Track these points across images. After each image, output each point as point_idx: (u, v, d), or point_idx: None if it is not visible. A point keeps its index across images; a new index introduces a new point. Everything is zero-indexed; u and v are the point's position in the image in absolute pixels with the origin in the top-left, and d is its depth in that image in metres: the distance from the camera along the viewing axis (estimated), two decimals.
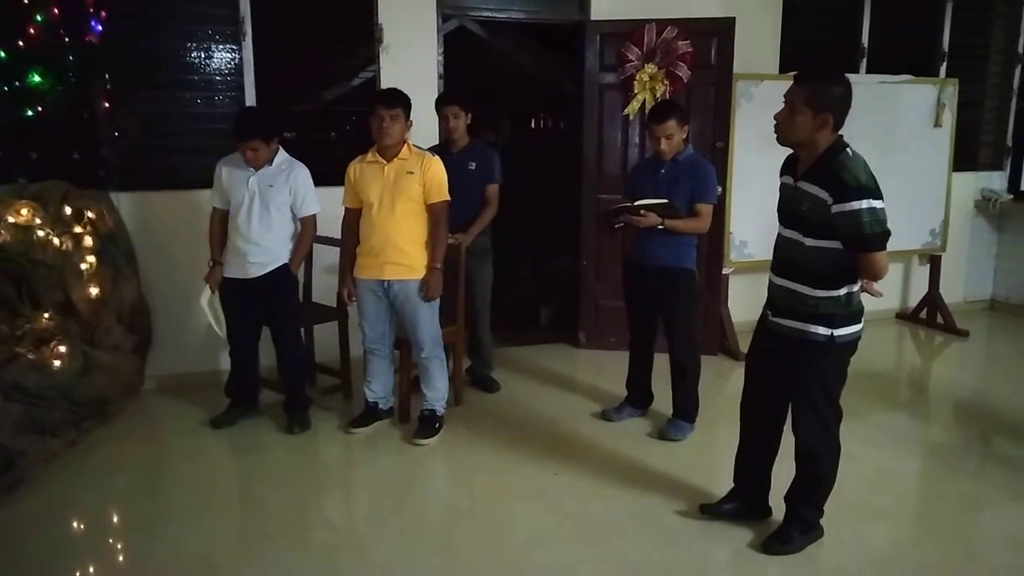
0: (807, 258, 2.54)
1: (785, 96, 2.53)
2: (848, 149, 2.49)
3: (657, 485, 3.24)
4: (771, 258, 2.72)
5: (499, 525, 2.98)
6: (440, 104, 4.08)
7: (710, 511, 2.96)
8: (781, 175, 2.69)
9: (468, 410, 4.11)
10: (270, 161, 3.64)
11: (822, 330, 2.53)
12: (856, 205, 2.38)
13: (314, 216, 3.76)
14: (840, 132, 2.53)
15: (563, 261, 5.63)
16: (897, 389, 4.77)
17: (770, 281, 2.71)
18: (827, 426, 2.66)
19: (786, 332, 2.62)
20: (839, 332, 2.53)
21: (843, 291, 2.53)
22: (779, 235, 2.68)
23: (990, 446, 3.86)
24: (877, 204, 2.40)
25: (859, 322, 2.58)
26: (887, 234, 2.43)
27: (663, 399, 3.88)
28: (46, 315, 3.68)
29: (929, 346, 5.60)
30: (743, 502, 2.93)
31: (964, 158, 5.88)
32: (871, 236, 2.40)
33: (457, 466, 3.53)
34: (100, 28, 4.07)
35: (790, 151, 2.64)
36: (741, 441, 2.93)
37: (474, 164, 4.07)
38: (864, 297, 2.64)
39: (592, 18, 4.88)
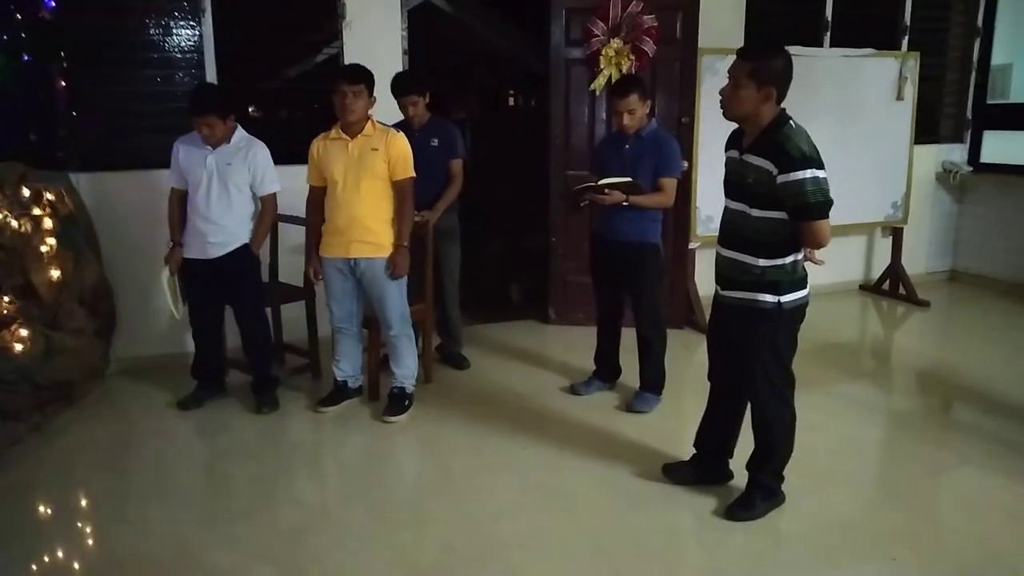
0: (754, 228, 2.60)
1: (729, 71, 2.59)
2: (791, 121, 2.55)
3: (624, 456, 3.29)
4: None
5: (468, 499, 3.01)
6: (396, 95, 3.97)
7: (670, 473, 3.04)
8: (726, 150, 2.76)
9: (438, 387, 4.12)
10: (228, 139, 3.59)
11: (769, 297, 2.60)
12: (800, 175, 2.44)
13: (274, 195, 3.72)
14: (783, 105, 2.58)
15: (533, 238, 5.64)
16: (859, 359, 4.87)
17: (717, 254, 2.77)
18: (780, 393, 2.73)
19: (735, 303, 2.69)
20: (786, 299, 2.60)
21: (789, 259, 2.60)
22: (725, 208, 2.74)
23: (949, 413, 3.96)
24: (820, 174, 2.47)
25: (804, 288, 2.66)
26: (830, 203, 2.50)
27: (631, 372, 3.93)
28: (6, 298, 3.61)
29: (891, 317, 5.71)
30: (702, 467, 3.02)
31: (925, 131, 5.97)
32: (814, 205, 2.46)
33: (427, 443, 3.55)
34: (53, 4, 3.97)
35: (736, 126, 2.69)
36: (706, 410, 3.01)
37: (436, 140, 4.05)
38: (816, 268, 2.70)
39: None
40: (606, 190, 3.51)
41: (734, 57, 2.60)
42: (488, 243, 6.34)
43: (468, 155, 4.30)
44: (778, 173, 2.47)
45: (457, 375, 4.32)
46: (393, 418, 3.68)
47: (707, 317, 3.01)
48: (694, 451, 3.05)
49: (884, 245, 6.01)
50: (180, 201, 3.69)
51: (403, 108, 3.99)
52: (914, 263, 6.10)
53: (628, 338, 3.90)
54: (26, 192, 3.81)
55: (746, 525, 2.77)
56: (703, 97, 4.81)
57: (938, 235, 6.38)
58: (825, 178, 2.48)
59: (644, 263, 3.66)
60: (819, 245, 2.57)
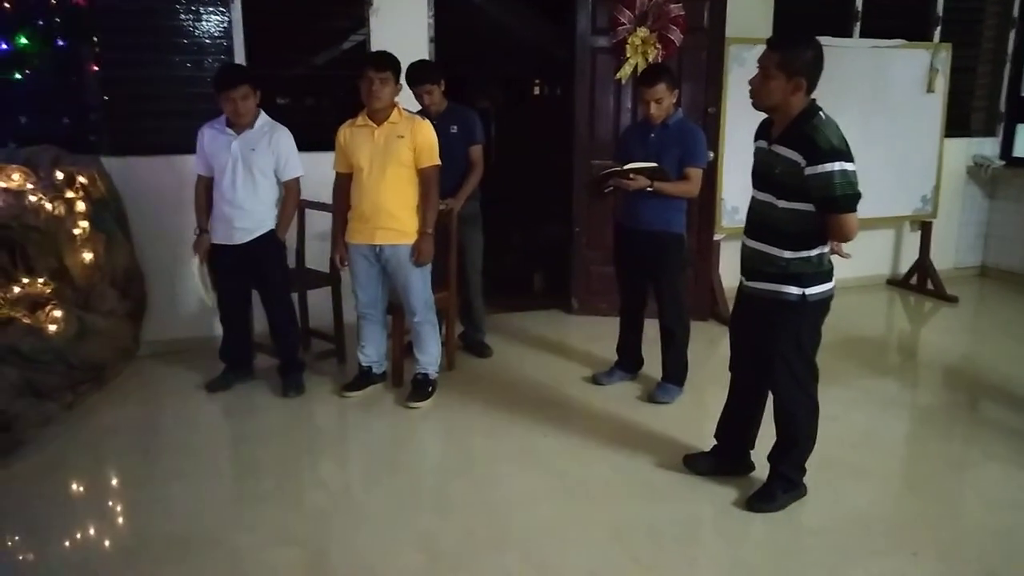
0: (780, 220, 2.59)
1: (759, 62, 2.57)
2: (821, 112, 2.53)
3: (645, 446, 3.30)
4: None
5: (490, 485, 3.04)
6: (410, 84, 3.94)
7: (691, 464, 3.05)
8: (755, 140, 2.75)
9: (461, 374, 4.15)
10: (251, 124, 3.62)
11: (794, 290, 2.59)
12: (828, 167, 2.43)
13: (297, 179, 3.74)
14: (813, 96, 2.56)
15: (556, 227, 5.65)
16: (885, 354, 4.83)
17: (743, 244, 2.77)
18: (803, 385, 2.72)
19: (760, 294, 2.68)
20: (810, 291, 2.59)
21: (815, 252, 2.59)
22: (753, 198, 2.73)
23: (975, 410, 3.92)
24: (849, 167, 2.45)
25: (830, 281, 2.64)
26: (858, 196, 2.48)
27: (653, 363, 3.93)
28: (40, 280, 3.70)
29: (918, 312, 5.65)
30: (723, 458, 3.02)
31: (956, 124, 5.87)
32: (842, 198, 2.45)
33: (449, 429, 3.59)
34: None
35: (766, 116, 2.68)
36: (727, 401, 3.00)
37: (455, 127, 4.06)
38: (843, 261, 2.69)
39: None
40: (631, 175, 3.50)
41: (762, 47, 2.59)
42: (512, 232, 6.35)
43: (493, 144, 4.32)
44: (806, 165, 2.46)
45: (480, 363, 4.35)
46: (416, 404, 3.72)
47: (730, 309, 3.01)
48: (715, 442, 3.06)
49: (913, 239, 5.94)
50: (206, 188, 3.73)
51: (418, 97, 3.99)
52: (943, 258, 6.02)
53: (651, 329, 3.90)
54: (59, 175, 3.89)
55: (766, 516, 2.77)
56: (730, 87, 4.77)
57: (968, 230, 6.29)
58: (854, 171, 2.46)
59: (668, 253, 3.65)
60: (846, 238, 2.55)
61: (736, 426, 2.98)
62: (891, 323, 5.57)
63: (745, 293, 2.78)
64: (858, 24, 5.57)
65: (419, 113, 3.92)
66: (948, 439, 3.49)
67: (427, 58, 4.45)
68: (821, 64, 2.53)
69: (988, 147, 6.21)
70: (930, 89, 5.47)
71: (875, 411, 3.73)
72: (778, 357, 2.68)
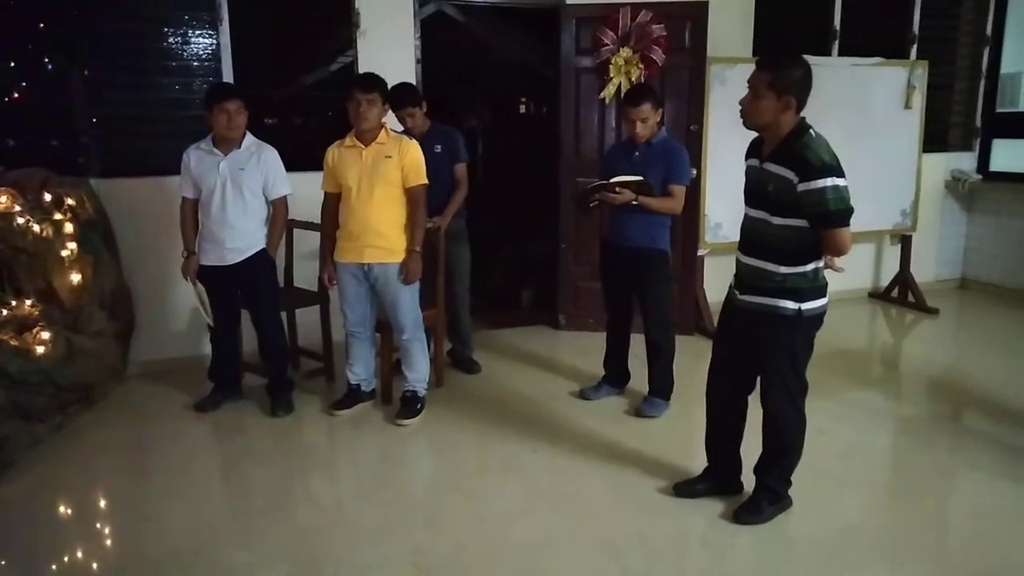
0: (775, 236, 2.62)
1: (748, 81, 2.62)
2: (811, 130, 2.58)
3: (633, 460, 3.33)
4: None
5: (479, 501, 3.06)
6: (393, 108, 3.92)
7: (683, 492, 3.04)
8: (747, 159, 2.79)
9: (449, 391, 4.18)
10: (239, 144, 3.66)
11: (790, 304, 2.62)
12: (821, 183, 2.48)
13: (285, 198, 3.77)
14: (802, 114, 2.61)
15: (544, 244, 5.70)
16: (868, 366, 4.89)
17: (737, 260, 2.80)
18: (794, 399, 2.76)
19: (755, 308, 2.71)
20: (806, 306, 2.63)
21: (810, 267, 2.62)
22: (746, 216, 2.77)
23: (958, 420, 3.98)
24: (840, 182, 2.50)
25: (824, 297, 2.68)
26: (850, 211, 2.53)
27: (640, 378, 3.97)
28: (28, 302, 3.70)
29: (900, 324, 5.73)
30: (716, 481, 3.02)
31: (934, 139, 6.00)
32: (835, 213, 2.49)
33: (438, 445, 3.61)
34: (76, 13, 4.06)
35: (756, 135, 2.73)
36: (708, 422, 3.02)
37: (439, 146, 4.11)
38: (831, 275, 2.73)
39: (568, 2, 4.92)
40: (617, 188, 3.56)
41: (742, 66, 2.64)
42: (499, 249, 6.40)
43: (480, 162, 4.36)
44: (799, 181, 2.50)
45: (468, 379, 4.37)
46: (405, 421, 3.73)
47: (714, 323, 3.04)
48: (707, 464, 3.06)
49: (893, 253, 6.03)
50: (192, 210, 3.75)
51: (401, 120, 4.04)
52: (923, 271, 6.12)
53: (637, 344, 3.95)
54: (48, 197, 3.91)
55: (753, 529, 2.81)
56: (712, 105, 4.86)
57: (947, 243, 6.40)
58: (846, 186, 2.51)
59: (653, 269, 3.70)
60: (840, 252, 2.60)
61: (723, 445, 2.99)
62: (874, 335, 5.65)
63: (738, 306, 2.79)
64: (836, 43, 5.68)
65: (404, 134, 3.96)
66: (933, 449, 3.55)
67: (409, 81, 4.49)
68: (810, 83, 2.59)
69: (966, 162, 6.34)
70: (908, 105, 5.59)
71: (860, 422, 3.78)
72: (772, 371, 2.71)
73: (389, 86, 3.62)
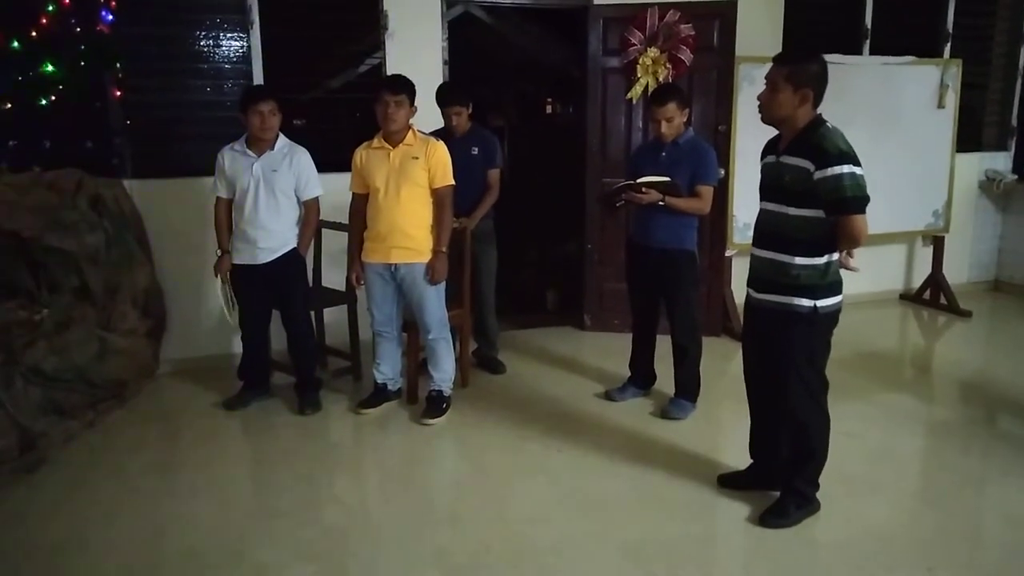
0: (791, 227, 2.64)
1: (766, 77, 2.67)
2: (827, 123, 2.62)
3: (658, 462, 3.32)
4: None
5: (504, 501, 3.07)
6: (441, 105, 4.09)
7: (726, 483, 3.05)
8: (763, 157, 2.82)
9: (475, 391, 4.19)
10: (272, 146, 3.71)
11: (805, 302, 2.63)
12: (838, 170, 2.50)
13: (317, 199, 3.82)
14: (819, 109, 2.64)
15: (569, 245, 5.70)
16: (899, 369, 4.82)
17: (752, 255, 2.81)
18: (815, 397, 2.75)
19: (770, 307, 2.71)
20: (821, 303, 2.64)
21: (823, 259, 2.63)
22: (761, 210, 2.79)
23: (991, 425, 3.91)
24: (857, 170, 2.52)
25: (839, 294, 2.68)
26: (867, 199, 2.54)
27: (666, 379, 3.95)
28: (63, 301, 3.77)
29: (932, 327, 5.64)
30: (759, 475, 3.02)
31: (968, 139, 5.90)
32: (852, 199, 2.51)
33: (464, 445, 3.62)
34: (111, 17, 4.14)
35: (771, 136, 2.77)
36: (751, 418, 3.02)
37: (476, 149, 4.13)
38: (856, 276, 2.72)
39: (595, 2, 4.91)
40: (644, 188, 3.55)
41: (771, 65, 2.66)
42: (525, 250, 6.40)
43: (506, 162, 4.37)
44: (815, 169, 2.52)
45: (493, 379, 4.38)
46: (431, 421, 3.75)
47: (742, 325, 3.03)
48: (751, 460, 3.06)
49: (925, 254, 5.94)
50: (226, 210, 3.80)
51: (447, 117, 4.08)
52: (956, 273, 6.02)
53: (663, 345, 3.93)
54: (82, 198, 3.97)
55: (780, 532, 2.78)
56: (740, 105, 4.81)
57: (981, 244, 6.29)
58: (862, 175, 2.52)
59: (680, 270, 3.69)
60: (856, 242, 2.59)
61: (764, 438, 2.98)
62: (905, 338, 5.56)
63: (755, 307, 2.80)
64: (868, 42, 5.60)
65: (441, 132, 3.99)
66: (964, 454, 3.49)
67: (448, 80, 4.53)
68: (826, 77, 2.62)
69: (1000, 161, 6.22)
70: (941, 105, 5.49)
71: (891, 426, 3.73)
72: (791, 369, 2.71)
73: (416, 88, 3.64)
